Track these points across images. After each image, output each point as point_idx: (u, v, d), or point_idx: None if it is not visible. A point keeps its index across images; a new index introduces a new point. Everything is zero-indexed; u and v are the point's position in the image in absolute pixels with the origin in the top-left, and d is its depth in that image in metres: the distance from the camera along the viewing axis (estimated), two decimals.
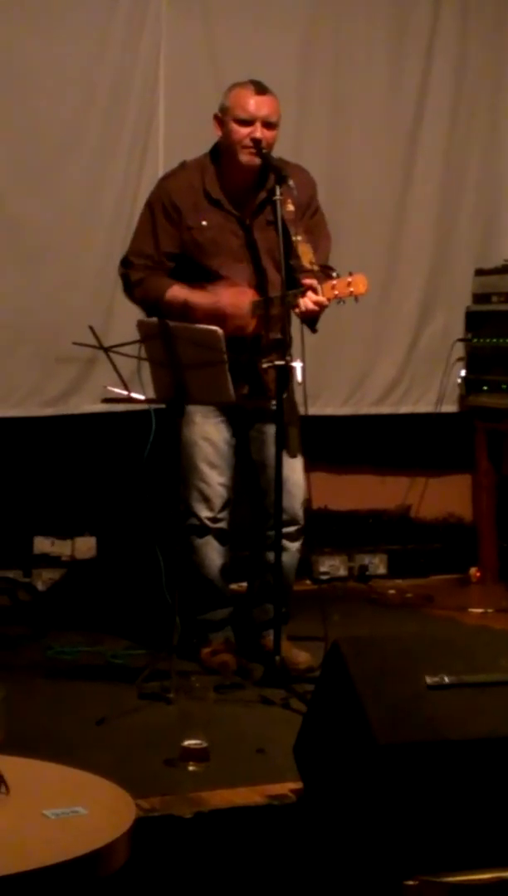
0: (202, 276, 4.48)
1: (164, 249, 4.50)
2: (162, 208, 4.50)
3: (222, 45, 5.72)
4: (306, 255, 4.26)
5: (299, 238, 4.26)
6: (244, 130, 4.38)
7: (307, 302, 4.28)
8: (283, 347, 4.26)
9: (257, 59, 5.53)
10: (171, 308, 4.37)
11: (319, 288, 4.28)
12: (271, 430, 4.41)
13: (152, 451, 4.29)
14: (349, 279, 4.32)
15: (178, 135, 5.54)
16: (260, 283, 4.46)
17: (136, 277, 4.51)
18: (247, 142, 4.38)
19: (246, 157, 4.39)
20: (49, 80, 5.47)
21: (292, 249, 4.26)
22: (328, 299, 4.31)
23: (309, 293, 4.27)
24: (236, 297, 4.40)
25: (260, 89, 4.42)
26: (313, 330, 4.41)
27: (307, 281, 4.28)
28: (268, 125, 4.39)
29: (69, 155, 5.54)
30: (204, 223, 4.47)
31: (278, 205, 4.28)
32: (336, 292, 4.32)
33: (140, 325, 4.24)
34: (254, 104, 4.39)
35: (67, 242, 5.54)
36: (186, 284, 4.46)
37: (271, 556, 4.41)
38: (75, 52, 5.50)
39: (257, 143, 4.36)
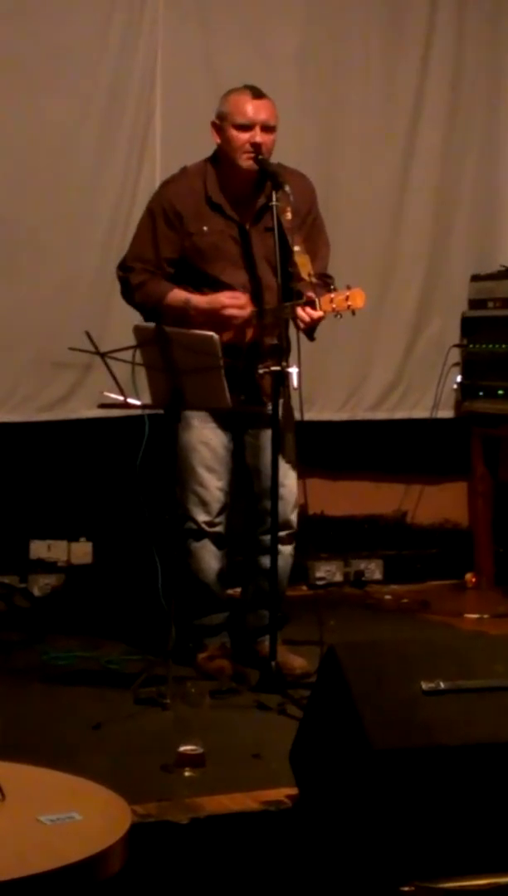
0: (202, 282, 4.48)
1: (164, 256, 4.50)
2: (163, 215, 4.49)
3: (218, 50, 5.72)
4: (304, 266, 4.28)
5: (297, 248, 4.27)
6: (244, 136, 4.39)
7: (303, 315, 4.29)
8: (280, 353, 4.27)
9: (253, 64, 5.55)
10: (172, 311, 4.37)
11: (317, 301, 4.30)
12: (266, 435, 4.41)
13: (150, 456, 4.29)
14: (347, 293, 4.35)
15: (175, 139, 5.55)
16: (257, 290, 4.47)
17: (136, 281, 4.50)
18: (247, 147, 4.38)
19: (247, 162, 4.39)
20: (47, 85, 5.47)
21: (290, 258, 4.27)
22: (326, 312, 4.33)
23: (306, 308, 4.28)
24: (236, 300, 4.40)
25: (257, 94, 4.42)
26: (311, 339, 4.42)
27: (310, 294, 4.29)
28: (266, 129, 4.40)
29: (66, 159, 5.54)
30: (205, 229, 4.47)
31: (275, 210, 4.29)
32: (334, 306, 4.34)
33: (137, 330, 4.24)
34: (252, 109, 4.39)
35: (64, 247, 5.54)
36: (185, 290, 4.46)
37: (264, 560, 4.42)
38: (73, 57, 5.51)
39: (256, 147, 4.37)
